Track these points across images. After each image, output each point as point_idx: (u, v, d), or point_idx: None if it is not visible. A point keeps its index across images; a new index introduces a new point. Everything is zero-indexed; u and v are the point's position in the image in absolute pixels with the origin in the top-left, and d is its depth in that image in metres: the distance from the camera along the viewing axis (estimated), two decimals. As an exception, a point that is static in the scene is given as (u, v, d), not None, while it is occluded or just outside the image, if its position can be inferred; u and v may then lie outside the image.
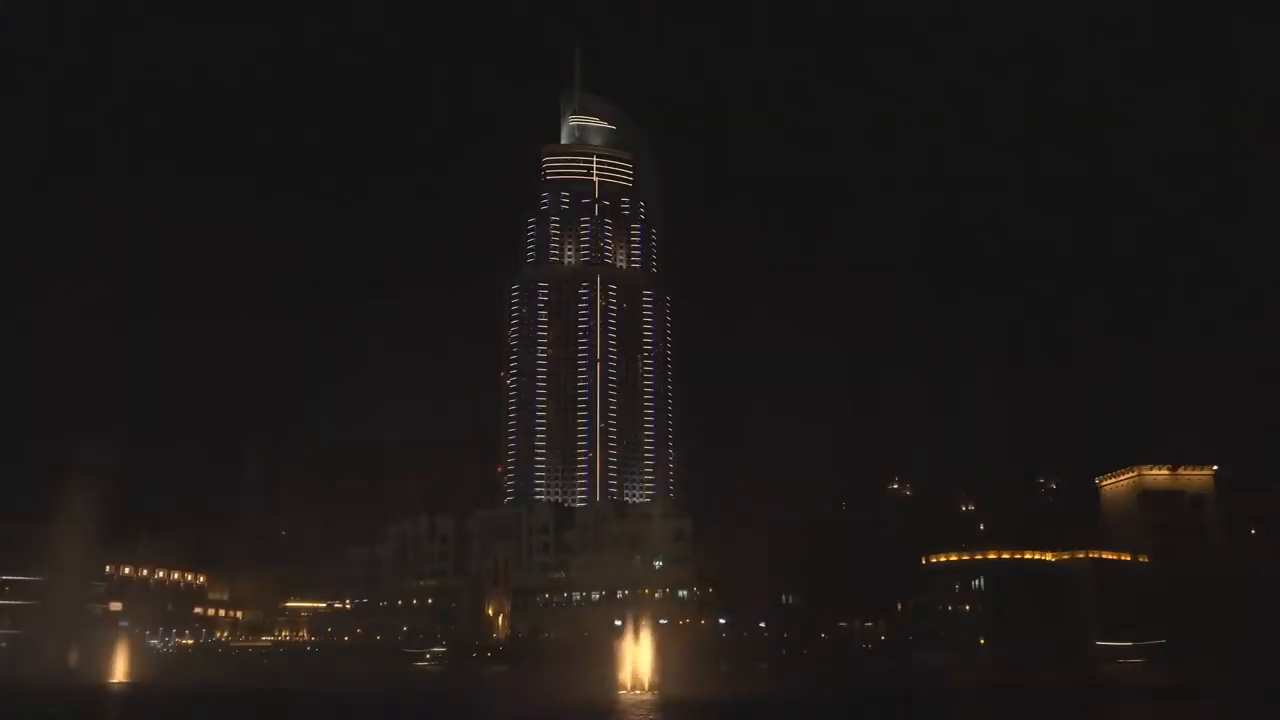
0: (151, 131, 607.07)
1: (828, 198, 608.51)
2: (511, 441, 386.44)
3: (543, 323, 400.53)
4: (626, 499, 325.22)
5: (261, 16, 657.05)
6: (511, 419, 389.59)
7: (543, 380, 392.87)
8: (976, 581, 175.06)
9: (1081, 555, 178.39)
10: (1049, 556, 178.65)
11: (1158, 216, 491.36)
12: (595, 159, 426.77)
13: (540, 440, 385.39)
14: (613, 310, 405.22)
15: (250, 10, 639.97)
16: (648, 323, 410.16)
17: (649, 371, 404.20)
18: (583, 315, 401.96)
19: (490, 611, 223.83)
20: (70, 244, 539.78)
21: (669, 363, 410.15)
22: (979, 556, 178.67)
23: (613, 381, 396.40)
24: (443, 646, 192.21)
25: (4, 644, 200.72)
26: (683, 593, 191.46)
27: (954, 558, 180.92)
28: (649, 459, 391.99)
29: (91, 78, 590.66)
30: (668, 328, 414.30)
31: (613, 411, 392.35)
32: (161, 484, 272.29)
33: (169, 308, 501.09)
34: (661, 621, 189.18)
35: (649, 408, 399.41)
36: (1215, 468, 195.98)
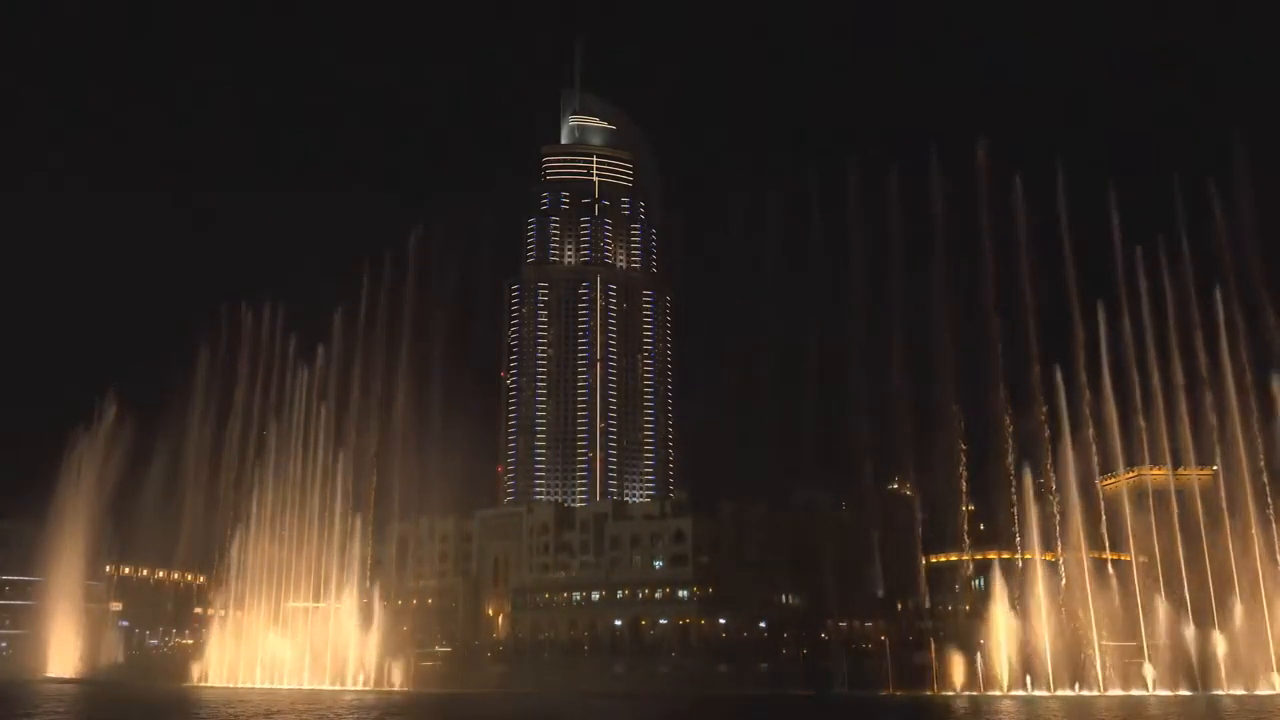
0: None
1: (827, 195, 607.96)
2: (511, 441, 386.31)
3: (543, 323, 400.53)
4: (626, 499, 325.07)
5: (260, 10, 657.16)
6: (511, 419, 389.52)
7: (543, 380, 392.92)
8: (976, 582, 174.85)
9: (1081, 555, 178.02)
10: (1049, 557, 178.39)
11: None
12: (595, 159, 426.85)
13: (540, 440, 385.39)
14: (613, 310, 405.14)
15: (250, 4, 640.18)
16: (648, 323, 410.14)
17: (649, 371, 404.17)
18: (583, 315, 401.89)
19: (490, 611, 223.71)
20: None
21: (669, 363, 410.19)
22: (979, 556, 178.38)
23: (612, 381, 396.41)
24: (446, 647, 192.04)
25: (4, 644, 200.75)
26: (683, 593, 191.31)
27: (954, 557, 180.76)
28: (649, 459, 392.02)
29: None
30: (668, 328, 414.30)
31: (613, 411, 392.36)
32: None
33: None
34: (661, 621, 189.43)
35: (649, 408, 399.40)
36: (1215, 468, 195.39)
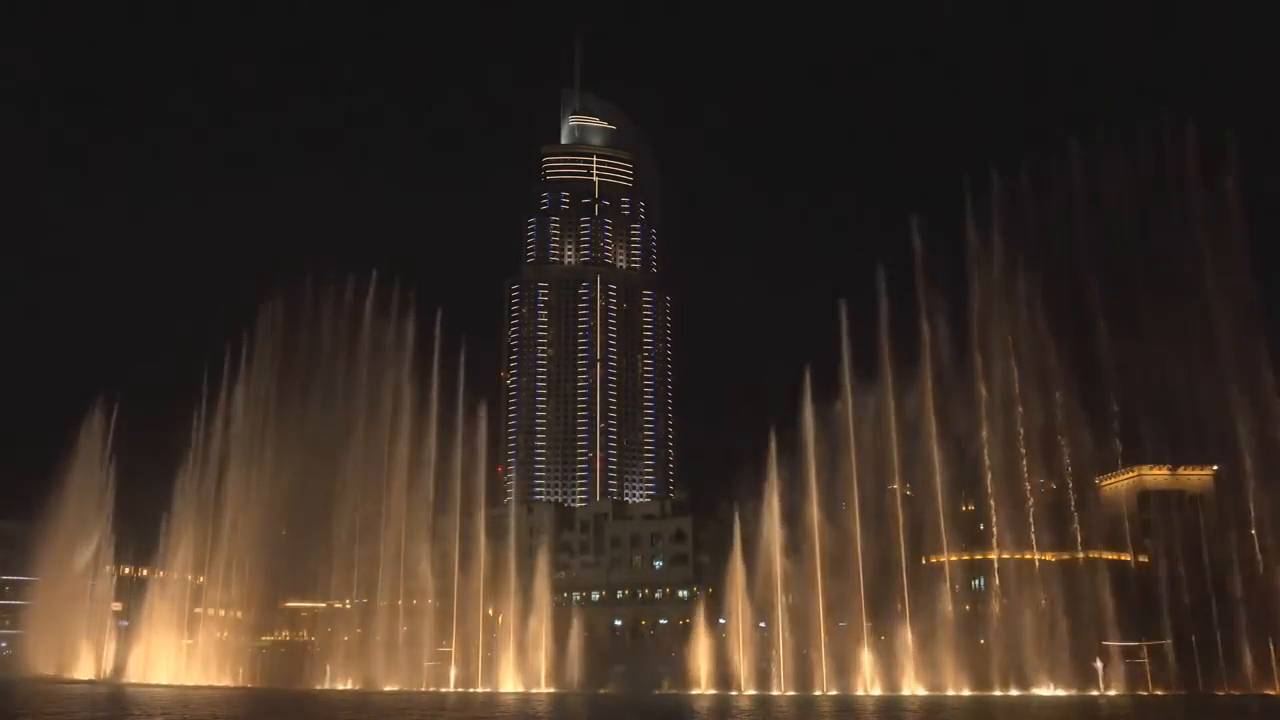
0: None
1: (826, 191, 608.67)
2: (511, 441, 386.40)
3: (543, 323, 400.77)
4: (626, 499, 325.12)
5: (260, 11, 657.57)
6: (511, 419, 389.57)
7: (543, 380, 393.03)
8: (976, 582, 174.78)
9: (1081, 555, 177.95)
10: (1049, 556, 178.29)
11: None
12: (595, 159, 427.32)
13: (540, 440, 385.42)
14: (613, 310, 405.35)
15: (250, 4, 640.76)
16: (648, 323, 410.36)
17: (649, 371, 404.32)
18: (583, 315, 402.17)
19: (490, 611, 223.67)
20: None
21: (669, 363, 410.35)
22: (979, 556, 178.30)
23: (612, 381, 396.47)
24: (447, 646, 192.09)
25: (4, 645, 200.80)
26: (683, 593, 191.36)
27: (954, 558, 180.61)
28: (649, 459, 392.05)
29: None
30: (668, 328, 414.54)
31: (613, 412, 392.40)
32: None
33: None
34: (661, 621, 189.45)
35: (649, 408, 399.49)
36: (1215, 468, 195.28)
